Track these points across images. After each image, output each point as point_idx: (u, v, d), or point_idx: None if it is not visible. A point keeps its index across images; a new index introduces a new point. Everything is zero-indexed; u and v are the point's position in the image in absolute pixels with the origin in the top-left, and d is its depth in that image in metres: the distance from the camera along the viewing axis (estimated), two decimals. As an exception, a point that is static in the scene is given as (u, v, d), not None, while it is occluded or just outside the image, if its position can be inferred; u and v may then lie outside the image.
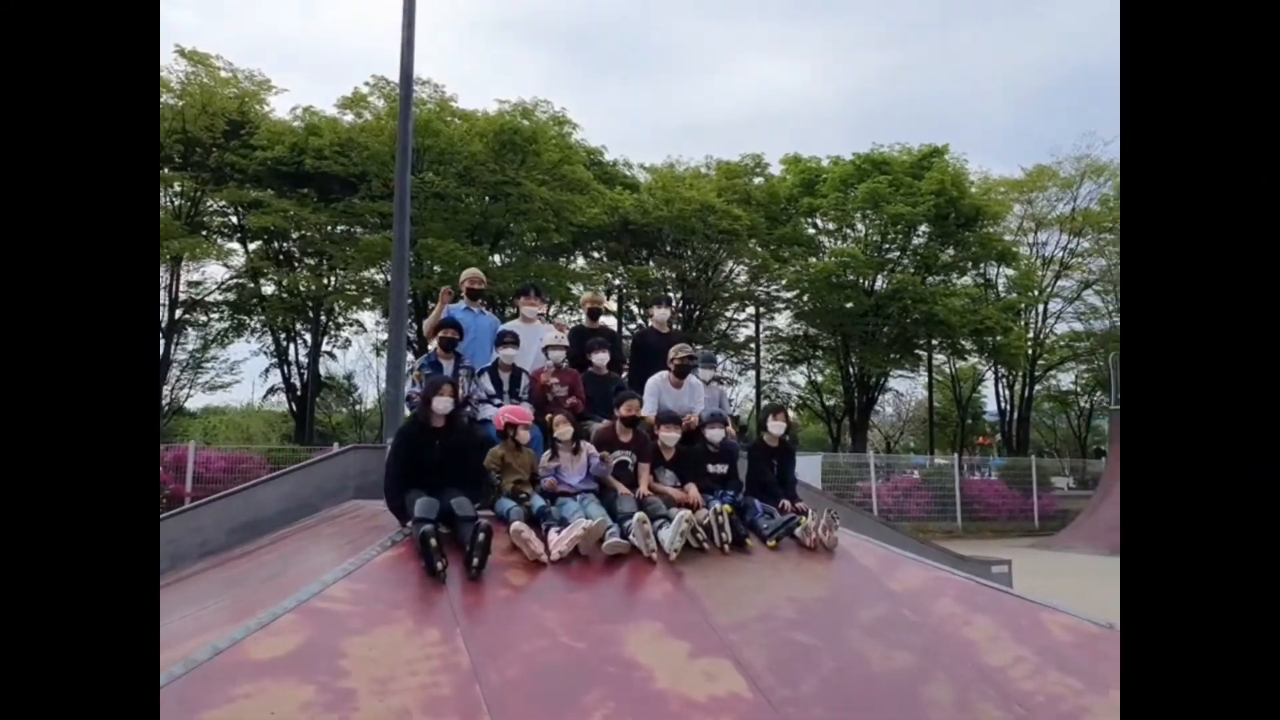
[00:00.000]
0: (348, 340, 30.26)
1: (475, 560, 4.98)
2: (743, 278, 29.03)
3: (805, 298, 28.43)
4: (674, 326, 8.34)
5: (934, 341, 29.79)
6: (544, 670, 4.39)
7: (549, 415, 6.53)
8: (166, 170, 22.57)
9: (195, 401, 32.43)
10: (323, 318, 26.68)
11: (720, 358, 32.33)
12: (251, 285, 25.56)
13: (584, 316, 8.12)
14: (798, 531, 6.15)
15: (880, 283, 27.79)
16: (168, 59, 21.74)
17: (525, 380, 7.18)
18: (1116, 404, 21.58)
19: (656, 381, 7.13)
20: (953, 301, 26.16)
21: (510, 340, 7.12)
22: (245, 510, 8.45)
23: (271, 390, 30.31)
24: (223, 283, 25.35)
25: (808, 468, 21.63)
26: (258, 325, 27.63)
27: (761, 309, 30.49)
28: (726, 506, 5.92)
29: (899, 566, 6.14)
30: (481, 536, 4.98)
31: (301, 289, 24.98)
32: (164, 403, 26.19)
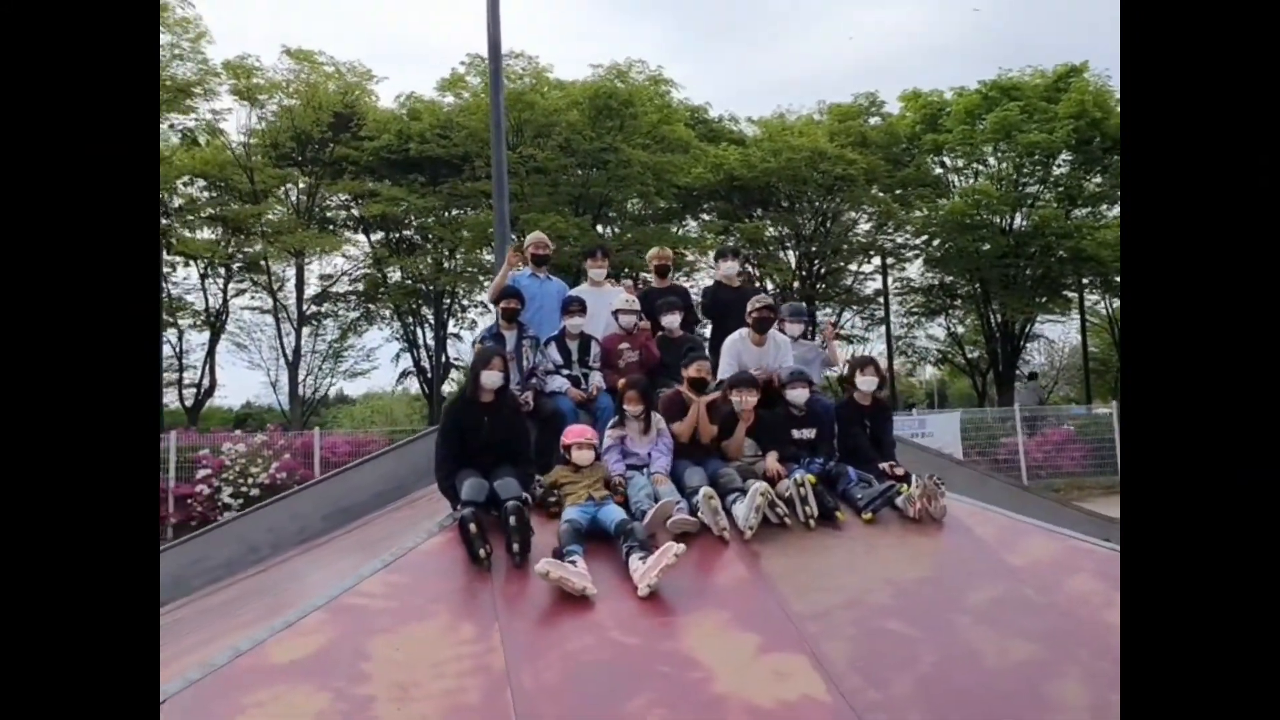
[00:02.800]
0: (473, 321, 30.64)
1: (515, 546, 4.50)
2: (865, 227, 27.43)
3: (936, 243, 26.57)
4: (756, 281, 7.68)
5: (1085, 280, 27.22)
6: (586, 671, 3.86)
7: (619, 381, 6.01)
8: (290, 168, 23.34)
9: (345, 389, 33.86)
10: (446, 301, 27.06)
11: (848, 314, 30.93)
12: (378, 274, 26.19)
13: (652, 275, 7.51)
14: (899, 501, 5.36)
15: (1019, 220, 25.61)
16: (271, 60, 22.35)
17: (595, 348, 6.69)
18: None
19: (735, 340, 6.45)
20: (1103, 234, 23.60)
21: (577, 308, 6.65)
22: (341, 495, 8.38)
23: (404, 374, 31.11)
24: (344, 273, 26.09)
25: (946, 425, 20.19)
26: (386, 313, 28.37)
27: (889, 259, 28.79)
28: (809, 476, 5.21)
29: (1023, 537, 5.25)
30: (513, 520, 4.48)
31: (425, 274, 25.36)
32: (309, 392, 27.37)
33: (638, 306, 6.84)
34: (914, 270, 29.87)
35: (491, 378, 5.28)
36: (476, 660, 3.89)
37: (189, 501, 14.07)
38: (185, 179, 22.86)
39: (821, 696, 3.76)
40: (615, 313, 6.77)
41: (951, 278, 28.45)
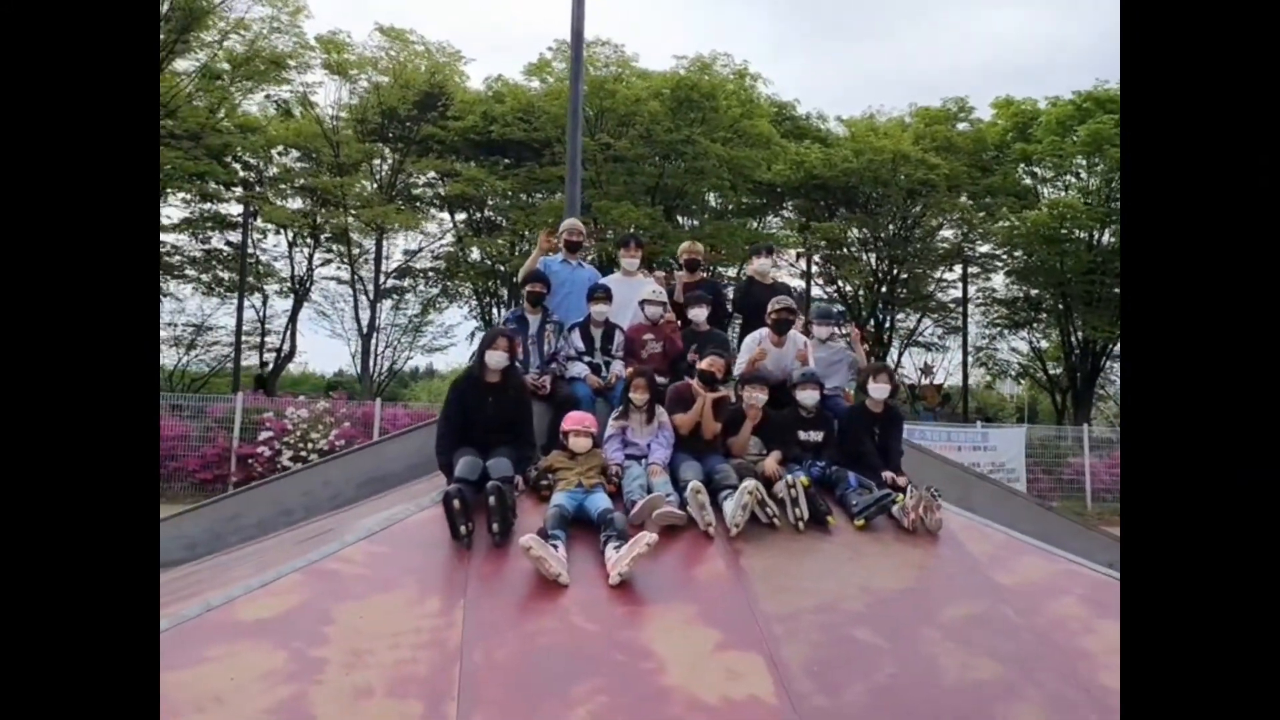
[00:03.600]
0: (545, 305, 30.83)
1: (494, 526, 4.59)
2: (947, 232, 26.69)
3: (1018, 254, 25.71)
4: (775, 279, 7.58)
5: (1174, 303, 25.91)
6: (539, 653, 3.92)
7: (629, 370, 6.05)
8: (377, 143, 24.00)
9: (432, 364, 34.55)
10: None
11: (926, 321, 30.17)
12: (458, 253, 26.73)
13: (683, 269, 7.51)
14: (894, 511, 5.26)
15: (1107, 236, 24.59)
16: (361, 36, 22.98)
17: (619, 337, 6.73)
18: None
19: (754, 339, 6.42)
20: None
21: (602, 295, 6.68)
22: (373, 465, 8.62)
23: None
24: (422, 250, 26.68)
25: (1011, 440, 19.50)
26: (465, 290, 28.93)
27: (974, 268, 27.96)
28: (803, 478, 5.16)
29: (1018, 556, 5.09)
30: (493, 500, 4.56)
31: (503, 255, 25.77)
32: (386, 364, 28.18)
33: (664, 298, 6.86)
34: (998, 281, 29.02)
35: (496, 357, 5.38)
36: (434, 634, 3.99)
37: (250, 461, 14.69)
38: (280, 149, 23.75)
39: (768, 698, 3.74)
40: (642, 303, 6.80)
41: (1036, 291, 27.51)
